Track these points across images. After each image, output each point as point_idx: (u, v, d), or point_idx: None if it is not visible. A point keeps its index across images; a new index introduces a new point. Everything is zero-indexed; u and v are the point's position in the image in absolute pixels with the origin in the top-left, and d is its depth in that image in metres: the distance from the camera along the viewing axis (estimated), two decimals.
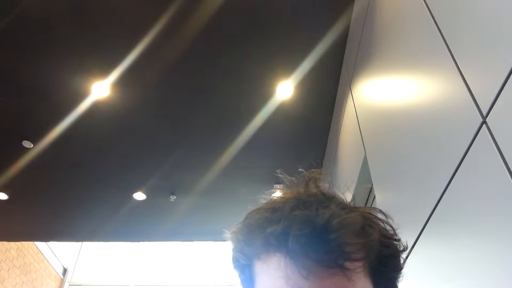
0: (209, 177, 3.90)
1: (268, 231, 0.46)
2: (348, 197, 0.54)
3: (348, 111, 2.66)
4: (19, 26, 2.56)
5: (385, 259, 0.49)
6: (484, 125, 0.92)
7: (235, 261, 0.53)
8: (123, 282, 8.31)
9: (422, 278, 1.30)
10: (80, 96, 3.01)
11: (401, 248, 0.52)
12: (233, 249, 0.53)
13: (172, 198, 4.19)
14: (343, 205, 0.49)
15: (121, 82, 2.93)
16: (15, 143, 3.40)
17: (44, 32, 2.61)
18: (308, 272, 0.43)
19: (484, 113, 0.92)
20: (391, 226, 0.53)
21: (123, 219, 4.57)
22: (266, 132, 3.36)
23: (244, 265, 0.51)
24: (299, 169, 0.56)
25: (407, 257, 1.41)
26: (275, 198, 0.53)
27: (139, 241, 7.12)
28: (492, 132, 0.89)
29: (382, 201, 1.82)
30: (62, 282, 8.09)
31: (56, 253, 7.89)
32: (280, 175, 0.59)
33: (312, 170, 0.56)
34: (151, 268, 8.54)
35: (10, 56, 2.76)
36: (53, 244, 7.72)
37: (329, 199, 0.49)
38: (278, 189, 4.07)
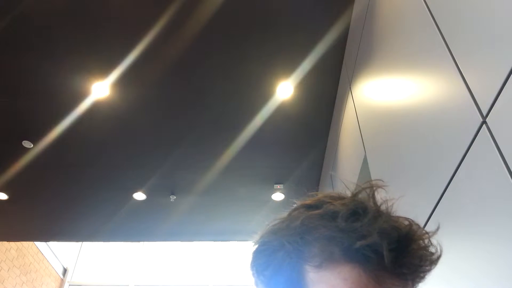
0: (209, 177, 3.90)
1: (358, 244, 0.42)
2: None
3: (348, 111, 2.66)
4: (19, 26, 2.56)
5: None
6: (484, 125, 0.92)
7: (276, 264, 0.48)
8: (123, 282, 8.31)
9: None
10: (80, 96, 3.01)
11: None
12: (271, 251, 0.48)
13: (172, 198, 4.19)
14: (399, 217, 0.49)
15: (121, 82, 2.93)
16: (15, 143, 3.40)
17: (44, 32, 2.61)
18: (386, 284, 0.43)
19: (484, 113, 0.92)
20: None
21: (123, 219, 4.57)
22: (266, 132, 3.36)
23: (290, 270, 0.46)
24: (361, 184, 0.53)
25: None
26: (329, 202, 0.49)
27: (139, 241, 7.12)
28: (492, 132, 0.89)
29: None
30: (62, 282, 8.09)
31: (56, 253, 7.89)
32: (340, 180, 0.57)
33: (377, 179, 0.55)
34: (151, 268, 8.54)
35: (10, 56, 2.76)
36: (53, 244, 7.72)
37: (385, 210, 0.49)
38: (278, 189, 4.07)
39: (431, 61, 1.26)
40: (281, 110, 3.18)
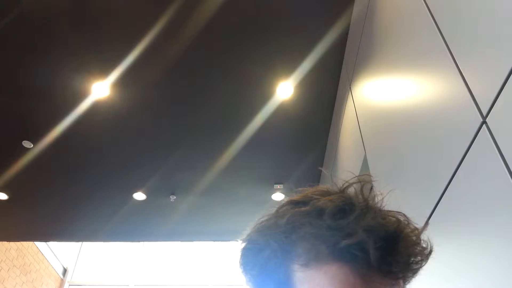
0: (209, 177, 3.90)
1: (343, 243, 0.41)
2: None
3: (348, 111, 2.66)
4: (19, 26, 2.56)
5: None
6: (484, 125, 0.92)
7: (262, 262, 0.47)
8: (123, 282, 8.31)
9: (422, 278, 1.30)
10: (80, 96, 3.01)
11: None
12: (258, 250, 0.48)
13: (172, 198, 4.19)
14: (390, 213, 0.48)
15: (121, 82, 2.93)
16: (15, 143, 3.40)
17: (44, 32, 2.61)
18: (375, 283, 0.42)
19: (484, 113, 0.92)
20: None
21: (123, 219, 4.57)
22: (266, 132, 3.36)
23: (277, 269, 0.46)
24: (348, 171, 0.54)
25: None
26: (316, 199, 0.47)
27: (139, 241, 7.12)
28: (492, 132, 0.89)
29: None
30: (62, 282, 8.09)
31: (56, 253, 7.89)
32: (325, 174, 0.56)
33: (366, 174, 0.54)
34: (151, 268, 8.54)
35: (10, 56, 2.76)
36: (53, 244, 7.72)
37: (374, 206, 0.47)
38: (278, 189, 4.07)
39: (431, 61, 1.26)
40: (281, 110, 3.18)
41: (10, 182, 3.87)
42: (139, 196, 4.20)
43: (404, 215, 0.49)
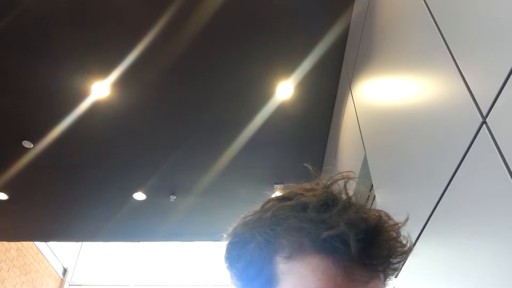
0: (209, 177, 3.90)
1: (325, 234, 0.43)
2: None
3: (348, 111, 2.66)
4: (19, 26, 2.56)
5: (402, 263, 0.51)
6: (484, 125, 0.92)
7: (248, 256, 0.48)
8: (123, 282, 8.31)
9: (422, 278, 1.30)
10: (80, 96, 3.01)
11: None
12: (244, 244, 0.49)
13: (172, 198, 4.19)
14: (372, 209, 0.49)
15: (121, 82, 2.93)
16: (15, 143, 3.40)
17: (44, 32, 2.61)
18: (353, 275, 0.43)
19: (484, 113, 0.92)
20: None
21: (123, 219, 4.57)
22: (266, 132, 3.36)
23: (261, 262, 0.47)
24: (328, 168, 0.56)
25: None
26: (301, 194, 0.49)
27: (139, 241, 7.12)
28: (492, 132, 0.89)
29: (382, 201, 1.82)
30: (62, 282, 8.09)
31: (56, 253, 7.89)
32: (312, 170, 0.58)
33: (348, 171, 0.55)
34: (151, 268, 8.54)
35: (10, 56, 2.76)
36: (53, 244, 7.72)
37: (357, 201, 0.49)
38: (278, 189, 4.07)
39: (431, 61, 1.26)
40: (281, 110, 3.18)
41: (10, 182, 3.86)
42: (139, 196, 4.20)
43: (386, 213, 0.50)
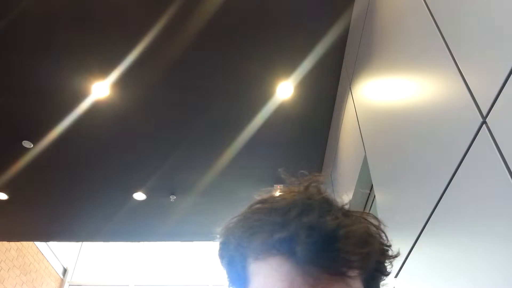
0: (209, 177, 3.90)
1: (276, 236, 0.45)
2: (346, 197, 0.55)
3: (348, 111, 2.66)
4: (19, 26, 2.56)
5: (379, 266, 0.51)
6: (484, 125, 0.92)
7: (228, 257, 0.52)
8: (123, 282, 8.31)
9: (422, 278, 1.30)
10: (80, 96, 3.01)
11: (395, 255, 0.54)
12: (225, 245, 0.53)
13: (172, 198, 4.19)
14: (345, 212, 0.50)
15: (121, 82, 2.93)
16: (15, 143, 3.40)
17: (44, 32, 2.61)
18: (313, 278, 0.44)
19: (484, 113, 0.92)
20: (384, 232, 0.54)
21: (123, 219, 4.57)
22: (266, 132, 3.36)
23: (238, 263, 0.51)
24: (301, 171, 0.57)
25: (407, 257, 1.41)
26: (276, 197, 0.52)
27: (139, 241, 7.12)
28: (492, 132, 0.89)
29: (382, 201, 1.82)
30: (62, 282, 8.09)
31: (56, 253, 7.89)
32: (282, 175, 0.59)
33: (316, 173, 0.57)
34: (151, 268, 8.54)
35: (10, 56, 2.76)
36: (53, 244, 7.72)
37: (331, 204, 0.50)
38: (278, 188, 4.07)
39: (431, 61, 1.26)
40: (281, 110, 3.18)
41: (10, 182, 3.87)
42: (139, 196, 4.20)
43: (375, 217, 0.52)
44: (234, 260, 0.51)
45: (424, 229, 1.26)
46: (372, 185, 2.07)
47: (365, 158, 2.11)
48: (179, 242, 7.74)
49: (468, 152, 0.99)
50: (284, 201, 0.50)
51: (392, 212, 1.65)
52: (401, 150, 1.54)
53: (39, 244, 7.29)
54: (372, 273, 0.49)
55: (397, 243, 1.64)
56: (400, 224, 1.53)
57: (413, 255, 1.36)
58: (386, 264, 0.53)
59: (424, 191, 1.28)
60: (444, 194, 1.12)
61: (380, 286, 0.54)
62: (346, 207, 0.53)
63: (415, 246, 1.34)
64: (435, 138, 1.20)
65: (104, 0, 2.48)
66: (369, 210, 2.41)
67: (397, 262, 1.51)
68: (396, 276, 1.52)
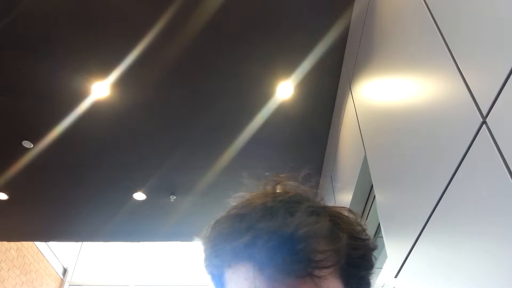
0: (209, 177, 3.90)
1: (235, 243, 0.46)
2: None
3: (348, 111, 2.66)
4: (19, 26, 2.56)
5: (355, 260, 0.50)
6: (484, 125, 0.92)
7: (207, 267, 0.53)
8: (123, 282, 8.31)
9: (422, 278, 1.30)
10: (80, 96, 3.01)
11: (371, 247, 0.52)
12: (204, 257, 0.53)
13: (172, 198, 4.19)
14: (312, 209, 0.49)
15: (121, 82, 2.93)
16: (15, 143, 3.40)
17: (44, 32, 2.61)
18: (278, 283, 0.43)
19: (484, 113, 0.92)
20: (360, 225, 0.53)
21: (123, 219, 4.57)
22: (266, 132, 3.36)
23: (216, 271, 0.52)
24: (266, 174, 0.57)
25: (407, 257, 1.41)
26: (243, 202, 0.53)
27: (139, 241, 7.12)
28: (492, 132, 0.89)
29: (382, 201, 1.82)
30: (62, 282, 8.09)
31: (56, 253, 7.89)
32: (246, 179, 0.60)
33: (280, 174, 0.57)
34: (151, 268, 8.54)
35: (10, 56, 2.76)
36: (53, 244, 7.73)
37: (297, 203, 0.49)
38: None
39: (431, 61, 1.26)
40: (281, 110, 3.18)
41: (10, 182, 3.86)
42: (139, 196, 4.20)
43: (350, 210, 0.52)
44: (213, 269, 0.52)
45: (424, 229, 1.26)
46: (372, 185, 2.07)
47: (365, 158, 2.11)
48: (179, 242, 7.75)
49: (468, 152, 0.99)
50: (248, 207, 0.50)
51: (392, 212, 1.65)
52: (401, 150, 1.54)
53: (39, 244, 7.29)
54: (348, 268, 0.48)
55: (397, 243, 1.64)
56: (400, 224, 1.53)
57: (413, 255, 1.36)
58: (366, 257, 0.51)
59: (424, 191, 1.28)
60: (444, 194, 1.12)
61: (370, 279, 0.53)
62: (321, 203, 0.52)
63: (415, 246, 1.34)
64: (435, 138, 1.20)
65: (104, 0, 2.48)
66: (369, 210, 2.41)
67: (397, 262, 1.51)
68: (396, 276, 1.52)
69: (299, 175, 0.56)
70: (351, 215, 0.53)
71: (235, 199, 0.55)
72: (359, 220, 0.54)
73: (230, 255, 0.48)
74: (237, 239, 0.46)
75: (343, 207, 0.54)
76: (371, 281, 0.54)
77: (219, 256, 0.49)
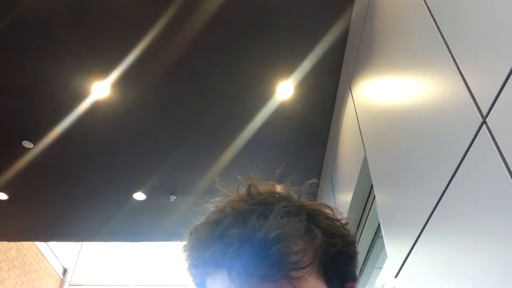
0: (209, 177, 3.90)
1: (209, 252, 0.46)
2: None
3: (348, 111, 2.66)
4: (19, 26, 2.56)
5: (334, 257, 0.49)
6: (484, 125, 0.92)
7: (190, 276, 0.54)
8: (123, 282, 8.31)
9: (422, 278, 1.30)
10: (80, 96, 3.01)
11: (349, 242, 0.52)
12: (186, 266, 0.54)
13: (172, 198, 4.19)
14: (286, 210, 0.48)
15: (121, 82, 2.93)
16: (15, 143, 3.40)
17: (44, 32, 2.61)
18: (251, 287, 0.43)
19: (484, 113, 0.92)
20: (339, 220, 0.52)
21: (123, 219, 4.57)
22: (266, 132, 3.36)
23: (199, 279, 0.52)
24: (239, 177, 0.57)
25: (407, 257, 1.41)
26: (217, 207, 0.53)
27: (139, 241, 7.11)
28: (492, 132, 0.89)
29: (382, 201, 1.82)
30: (62, 282, 8.09)
31: (56, 253, 7.89)
32: (218, 186, 0.60)
33: (251, 176, 0.57)
34: (151, 268, 8.54)
35: (10, 56, 2.76)
36: (53, 244, 7.73)
37: (271, 205, 0.49)
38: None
39: (431, 61, 1.26)
40: (281, 110, 3.18)
41: (10, 182, 3.86)
42: (139, 196, 4.20)
43: (328, 206, 0.52)
44: (195, 278, 0.53)
45: (424, 229, 1.26)
46: (372, 185, 2.07)
47: (365, 158, 2.11)
48: (179, 242, 7.75)
49: (468, 152, 0.99)
50: (221, 213, 0.50)
51: (392, 212, 1.65)
52: (401, 150, 1.54)
53: (39, 244, 7.29)
54: (327, 265, 0.47)
55: (397, 243, 1.64)
56: (400, 224, 1.53)
57: (413, 255, 1.36)
58: (345, 253, 0.50)
59: (424, 191, 1.28)
60: (444, 194, 1.12)
61: (354, 273, 0.52)
62: (298, 201, 0.52)
63: (415, 246, 1.34)
64: (435, 138, 1.20)
65: (104, 0, 2.48)
66: (369, 210, 2.41)
67: (397, 262, 1.51)
68: (396, 276, 1.52)
69: (274, 172, 0.56)
70: (328, 211, 0.53)
71: (213, 204, 0.56)
72: (338, 215, 0.53)
73: (206, 264, 0.48)
74: (210, 247, 0.47)
75: (321, 203, 0.53)
76: (356, 274, 0.53)
77: (197, 265, 0.50)
